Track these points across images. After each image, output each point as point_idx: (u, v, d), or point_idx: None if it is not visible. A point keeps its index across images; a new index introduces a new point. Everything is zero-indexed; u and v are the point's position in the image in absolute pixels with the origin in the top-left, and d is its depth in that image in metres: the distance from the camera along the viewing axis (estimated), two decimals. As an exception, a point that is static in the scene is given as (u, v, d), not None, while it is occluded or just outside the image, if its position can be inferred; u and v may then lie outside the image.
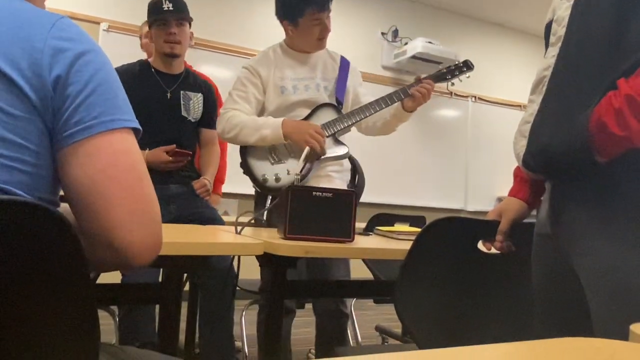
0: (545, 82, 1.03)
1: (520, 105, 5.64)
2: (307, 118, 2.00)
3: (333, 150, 2.00)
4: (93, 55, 0.72)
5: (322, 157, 1.94)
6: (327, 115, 2.01)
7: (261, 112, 2.05)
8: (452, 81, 2.14)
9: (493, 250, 1.21)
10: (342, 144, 2.03)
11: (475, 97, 5.50)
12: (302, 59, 2.09)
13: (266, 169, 1.94)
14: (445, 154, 5.35)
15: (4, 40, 0.67)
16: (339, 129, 1.99)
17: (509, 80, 5.69)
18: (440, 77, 2.09)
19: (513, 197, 1.22)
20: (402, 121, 2.09)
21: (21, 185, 0.66)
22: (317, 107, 2.02)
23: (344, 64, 2.15)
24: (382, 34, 5.09)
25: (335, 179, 2.03)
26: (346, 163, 2.10)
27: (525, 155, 1.05)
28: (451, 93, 5.25)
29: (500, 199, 5.55)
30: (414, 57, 4.80)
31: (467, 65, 2.11)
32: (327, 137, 1.96)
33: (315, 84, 2.06)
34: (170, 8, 2.18)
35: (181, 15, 2.21)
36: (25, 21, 0.70)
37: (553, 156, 0.98)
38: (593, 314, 0.94)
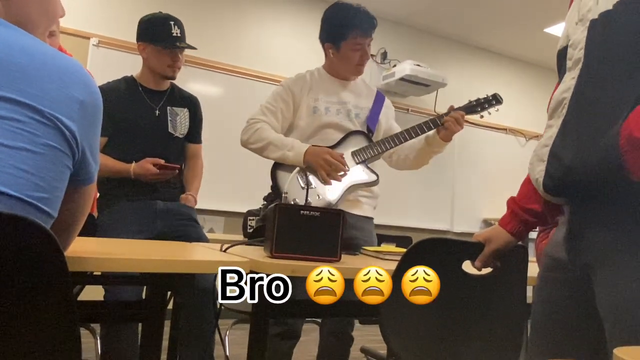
0: (565, 104, 0.98)
1: (506, 129, 5.71)
2: (338, 143, 2.04)
3: (363, 177, 2.03)
4: None
5: (351, 182, 1.98)
6: (358, 142, 2.06)
7: (289, 130, 2.09)
8: (482, 114, 2.15)
9: (480, 271, 1.22)
10: (373, 171, 2.06)
11: (462, 119, 5.56)
12: (338, 85, 2.14)
13: (297, 194, 1.94)
14: (432, 176, 5.38)
15: None
16: (370, 156, 2.03)
17: (495, 104, 5.76)
18: (470, 109, 2.10)
19: (502, 228, 1.21)
20: (436, 152, 2.11)
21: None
22: (348, 134, 2.06)
23: (379, 97, 2.22)
24: (371, 55, 5.14)
25: (363, 204, 2.08)
26: (376, 190, 2.13)
27: (545, 179, 0.99)
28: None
29: (485, 221, 5.59)
30: (402, 79, 4.85)
31: (496, 99, 2.13)
32: (358, 164, 2.02)
33: (347, 110, 2.10)
34: (178, 34, 2.20)
35: (186, 44, 2.24)
36: None
37: (579, 177, 0.91)
38: (612, 348, 0.89)
